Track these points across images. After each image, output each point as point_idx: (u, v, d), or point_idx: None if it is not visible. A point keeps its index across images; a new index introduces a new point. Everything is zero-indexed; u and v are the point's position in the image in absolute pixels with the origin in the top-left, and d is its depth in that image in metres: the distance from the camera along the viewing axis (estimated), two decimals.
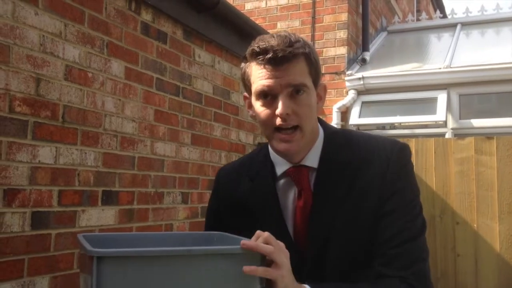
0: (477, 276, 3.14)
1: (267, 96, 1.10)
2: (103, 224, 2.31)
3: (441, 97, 4.94)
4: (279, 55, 1.05)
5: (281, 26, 5.68)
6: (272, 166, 1.21)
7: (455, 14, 7.15)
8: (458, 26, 6.64)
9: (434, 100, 4.97)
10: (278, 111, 1.08)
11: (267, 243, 0.91)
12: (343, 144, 1.17)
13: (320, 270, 1.09)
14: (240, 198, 1.22)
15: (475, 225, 3.16)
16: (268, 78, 1.08)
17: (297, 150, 1.12)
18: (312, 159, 1.16)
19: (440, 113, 4.82)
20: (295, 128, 1.11)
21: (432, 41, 6.72)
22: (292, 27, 5.63)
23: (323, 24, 5.50)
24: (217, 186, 1.34)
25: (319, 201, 1.13)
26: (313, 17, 5.52)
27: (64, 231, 2.09)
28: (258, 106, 1.13)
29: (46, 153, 2.00)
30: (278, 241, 0.94)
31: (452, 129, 4.85)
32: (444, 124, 4.84)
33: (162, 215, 2.72)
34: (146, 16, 2.62)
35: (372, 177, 1.12)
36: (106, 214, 2.33)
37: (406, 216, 1.10)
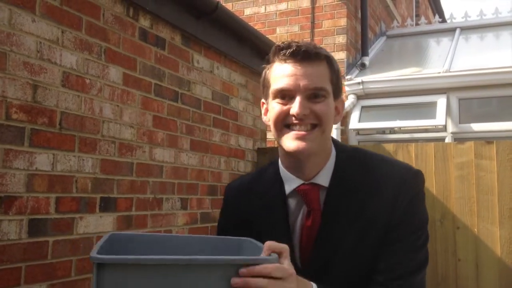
0: (478, 281, 3.12)
1: (285, 97, 1.07)
2: (101, 231, 2.30)
3: (441, 102, 4.94)
4: (302, 49, 1.04)
5: (280, 32, 5.69)
6: (281, 183, 1.17)
7: (454, 18, 7.16)
8: (457, 31, 6.66)
9: (433, 104, 4.97)
10: (293, 111, 1.03)
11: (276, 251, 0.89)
12: (356, 165, 1.14)
13: None
14: (248, 216, 1.19)
15: (475, 230, 3.15)
16: (288, 75, 1.05)
17: (309, 152, 1.07)
18: (324, 178, 1.12)
19: (440, 118, 4.82)
20: (314, 126, 1.06)
21: (431, 46, 6.73)
22: (291, 32, 5.64)
23: (322, 29, 5.50)
24: (225, 204, 1.32)
25: (328, 221, 1.10)
26: (312, 22, 5.53)
27: (61, 239, 2.08)
28: (274, 105, 1.08)
29: (43, 160, 1.99)
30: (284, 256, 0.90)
31: (452, 133, 4.84)
32: (444, 128, 4.84)
33: (161, 221, 2.71)
34: (144, 22, 2.62)
35: (383, 203, 1.08)
36: (104, 221, 2.32)
37: (410, 247, 1.07)
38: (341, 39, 5.41)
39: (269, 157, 3.71)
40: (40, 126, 1.99)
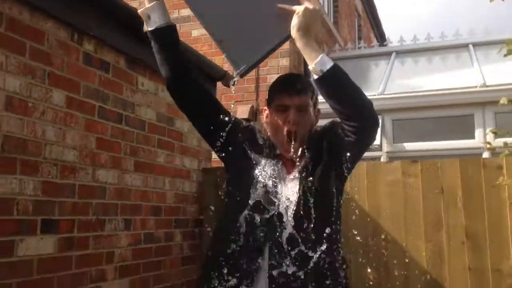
0: None
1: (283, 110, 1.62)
2: (42, 253, 2.32)
3: None
4: (295, 88, 1.61)
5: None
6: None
7: (391, 42, 7.64)
8: (393, 54, 7.10)
9: None
10: (289, 118, 1.59)
11: None
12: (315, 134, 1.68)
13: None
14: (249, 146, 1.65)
15: (404, 244, 3.39)
16: (285, 103, 1.61)
17: (295, 154, 1.59)
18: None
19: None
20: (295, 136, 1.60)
21: (370, 68, 7.13)
22: None
23: None
24: (232, 118, 1.71)
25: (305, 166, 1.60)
26: None
27: (1, 261, 2.09)
28: (274, 115, 1.64)
29: None
30: None
31: (387, 152, 5.16)
32: (380, 148, 5.15)
33: (103, 242, 2.75)
34: (89, 46, 2.69)
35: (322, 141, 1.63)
36: (46, 242, 2.34)
37: None
38: (285, 61, 5.65)
39: (213, 176, 3.82)
40: None
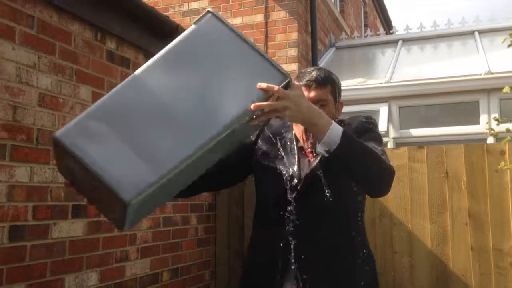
0: (412, 271, 3.54)
1: None
2: (73, 235, 2.53)
3: (383, 110, 5.41)
4: (314, 81, 1.67)
5: None
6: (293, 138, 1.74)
7: (397, 30, 7.73)
8: (400, 42, 7.19)
9: (377, 112, 5.43)
10: None
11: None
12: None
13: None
14: (275, 129, 1.76)
15: (409, 225, 3.57)
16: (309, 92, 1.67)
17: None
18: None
19: (382, 124, 5.28)
20: None
21: (376, 56, 7.24)
22: None
23: (275, 42, 5.87)
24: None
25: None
26: (266, 36, 5.89)
27: (38, 243, 2.31)
28: None
29: (22, 173, 2.22)
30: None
31: (393, 138, 5.31)
32: (386, 134, 5.30)
33: None
34: (111, 44, 2.87)
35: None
36: (76, 226, 2.56)
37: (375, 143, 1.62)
38: (293, 52, 5.80)
39: None
40: (19, 142, 2.21)
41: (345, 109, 6.13)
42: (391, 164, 1.54)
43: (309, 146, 1.67)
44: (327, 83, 1.70)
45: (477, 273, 3.38)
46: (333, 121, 1.39)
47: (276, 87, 1.21)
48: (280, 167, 1.66)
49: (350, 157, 1.40)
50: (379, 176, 1.48)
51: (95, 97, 2.72)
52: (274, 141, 1.73)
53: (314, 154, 1.65)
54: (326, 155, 1.37)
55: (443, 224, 3.50)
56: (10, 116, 2.16)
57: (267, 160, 1.70)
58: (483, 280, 3.35)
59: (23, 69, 2.23)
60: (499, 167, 3.27)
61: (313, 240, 1.60)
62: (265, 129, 1.77)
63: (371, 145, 1.55)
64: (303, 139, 1.70)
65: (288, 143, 1.72)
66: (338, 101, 1.77)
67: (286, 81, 1.23)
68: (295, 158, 1.68)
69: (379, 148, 1.59)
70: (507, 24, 6.50)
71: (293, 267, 1.59)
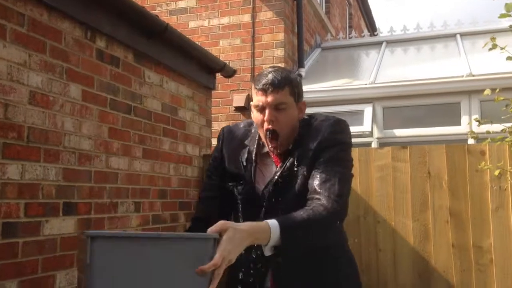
0: (395, 268, 3.63)
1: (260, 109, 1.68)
2: (64, 232, 2.55)
3: (367, 110, 5.51)
4: (270, 85, 1.64)
5: (223, 44, 6.05)
6: (259, 145, 1.77)
7: (381, 32, 7.85)
8: (384, 44, 7.32)
9: (361, 112, 5.53)
10: (266, 118, 1.65)
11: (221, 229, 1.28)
12: (305, 129, 1.72)
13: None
14: (228, 152, 1.81)
15: (393, 223, 3.66)
16: (260, 100, 1.66)
17: (281, 151, 1.70)
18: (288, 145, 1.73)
19: (367, 125, 5.38)
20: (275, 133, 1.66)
21: (361, 57, 7.35)
22: (234, 45, 6.02)
23: (262, 42, 5.93)
24: (218, 140, 1.88)
25: (286, 165, 1.68)
26: (253, 36, 5.94)
27: (30, 240, 2.33)
28: (255, 114, 1.70)
29: (13, 170, 2.24)
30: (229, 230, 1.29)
31: (377, 138, 5.42)
32: (370, 134, 5.40)
33: (116, 223, 2.99)
34: (101, 43, 2.89)
35: (315, 139, 1.66)
36: (67, 223, 2.58)
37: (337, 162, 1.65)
38: (279, 52, 5.86)
39: None
40: (11, 140, 2.23)
41: (330, 109, 6.21)
42: (335, 202, 1.56)
43: (275, 150, 1.70)
44: (284, 85, 1.64)
45: (458, 270, 3.48)
46: (269, 224, 1.39)
47: (213, 262, 1.20)
48: (240, 186, 1.74)
49: (295, 241, 1.45)
50: (327, 232, 1.56)
51: (85, 95, 2.74)
52: (236, 156, 1.78)
53: (280, 159, 1.71)
54: (275, 252, 1.42)
55: (425, 222, 3.60)
56: (1, 114, 2.18)
57: (231, 178, 1.77)
58: (464, 276, 3.46)
59: (14, 67, 2.24)
60: (480, 167, 3.38)
61: (288, 258, 1.64)
62: (225, 141, 1.84)
63: (330, 166, 1.61)
64: (267, 143, 1.71)
65: (249, 154, 1.76)
66: (299, 100, 1.72)
67: (214, 239, 1.25)
68: (261, 171, 1.74)
69: (338, 169, 1.62)
70: (488, 27, 6.67)
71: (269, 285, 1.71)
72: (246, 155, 1.75)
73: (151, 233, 1.24)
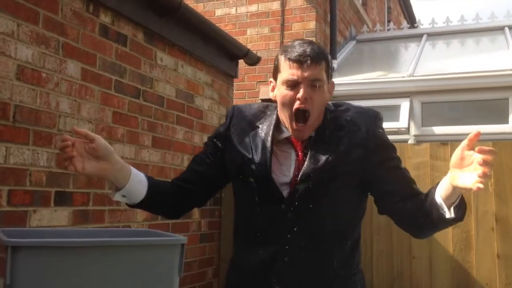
0: (431, 277, 3.23)
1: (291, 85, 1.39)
2: (56, 224, 2.30)
3: (404, 105, 5.08)
4: (307, 59, 1.37)
5: (251, 33, 5.75)
6: (276, 128, 1.48)
7: (422, 24, 7.36)
8: (424, 36, 6.83)
9: (397, 107, 5.10)
10: (299, 95, 1.37)
11: None
12: (333, 118, 1.47)
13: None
14: (247, 124, 1.51)
15: None
16: (294, 74, 1.38)
17: (305, 137, 1.43)
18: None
19: (403, 120, 4.95)
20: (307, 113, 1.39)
21: (399, 50, 6.89)
22: (262, 34, 5.70)
23: (291, 31, 5.58)
24: (230, 112, 1.59)
25: (312, 155, 1.41)
26: (282, 25, 5.60)
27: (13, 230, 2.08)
28: (283, 90, 1.40)
29: None
30: None
31: (414, 135, 4.98)
32: (407, 131, 4.97)
33: (119, 216, 2.73)
34: (105, 18, 2.64)
35: (357, 134, 1.44)
36: (59, 214, 2.32)
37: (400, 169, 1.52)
38: None
39: None
40: None
41: (363, 103, 5.80)
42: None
43: (301, 135, 1.42)
44: (322, 59, 1.40)
45: (503, 283, 3.08)
46: None
47: None
48: (252, 178, 1.43)
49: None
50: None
51: (85, 74, 2.49)
52: (243, 137, 1.50)
53: (305, 151, 1.43)
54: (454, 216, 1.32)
55: (467, 228, 3.19)
56: None
57: (242, 169, 1.46)
58: None
59: None
60: None
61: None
62: (234, 119, 1.55)
63: (399, 169, 1.51)
64: (292, 127, 1.42)
65: (265, 136, 1.47)
66: (330, 80, 1.49)
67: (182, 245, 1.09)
68: (284, 162, 1.45)
69: (407, 173, 1.53)
70: None
71: None
72: (259, 138, 1.47)
73: (97, 240, 0.90)
